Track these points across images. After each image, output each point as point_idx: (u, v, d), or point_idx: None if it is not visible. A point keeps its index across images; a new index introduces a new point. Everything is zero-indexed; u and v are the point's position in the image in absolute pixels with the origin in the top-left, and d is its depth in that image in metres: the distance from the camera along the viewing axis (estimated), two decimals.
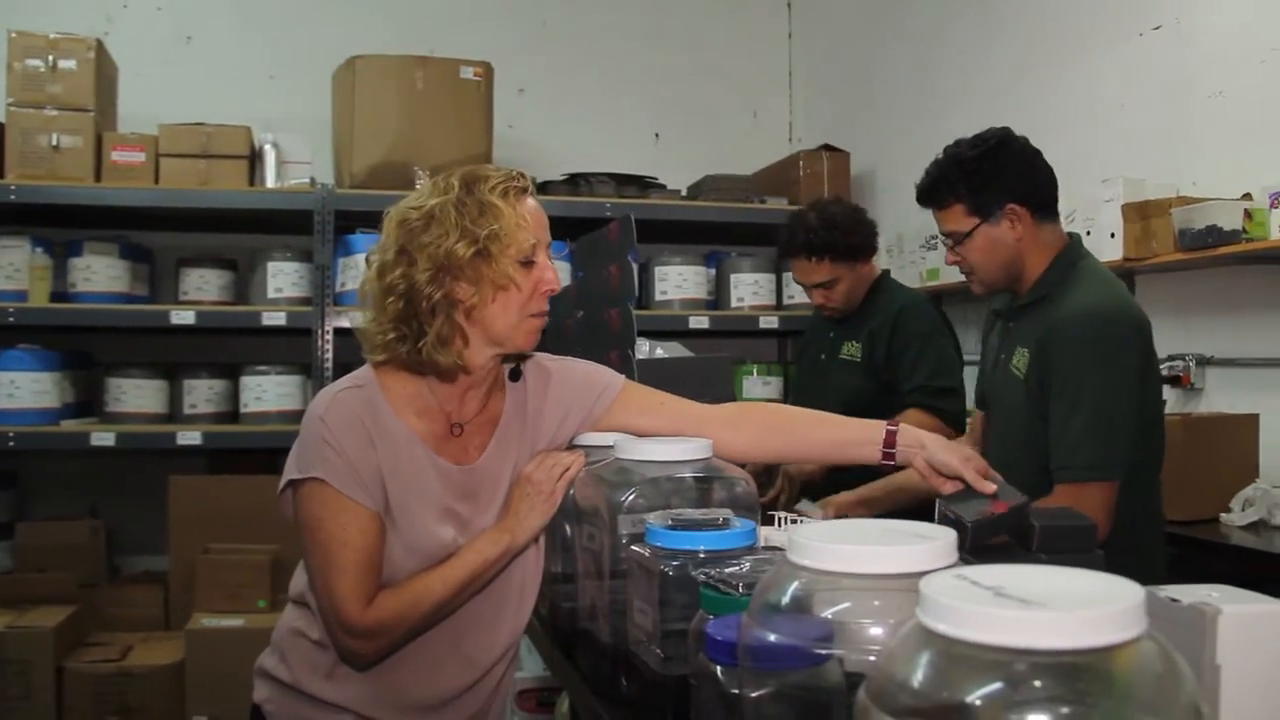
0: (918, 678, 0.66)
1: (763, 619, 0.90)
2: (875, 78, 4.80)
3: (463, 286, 1.50)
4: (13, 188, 3.75)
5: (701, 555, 1.26)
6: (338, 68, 4.17)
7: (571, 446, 1.68)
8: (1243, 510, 2.70)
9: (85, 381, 4.12)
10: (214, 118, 4.06)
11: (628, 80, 5.12)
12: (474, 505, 1.58)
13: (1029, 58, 3.78)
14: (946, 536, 0.89)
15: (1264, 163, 2.75)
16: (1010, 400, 2.07)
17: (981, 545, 1.38)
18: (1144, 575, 0.76)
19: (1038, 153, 2.09)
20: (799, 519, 1.60)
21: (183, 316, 3.88)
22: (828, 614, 0.88)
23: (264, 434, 3.92)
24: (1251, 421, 2.84)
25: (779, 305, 4.52)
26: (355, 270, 3.86)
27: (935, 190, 2.11)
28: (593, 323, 2.49)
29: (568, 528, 1.65)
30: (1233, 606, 0.88)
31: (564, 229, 2.71)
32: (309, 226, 3.99)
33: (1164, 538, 2.13)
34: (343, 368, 3.56)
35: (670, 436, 1.62)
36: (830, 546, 0.86)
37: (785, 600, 0.89)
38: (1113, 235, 2.94)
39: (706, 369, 2.52)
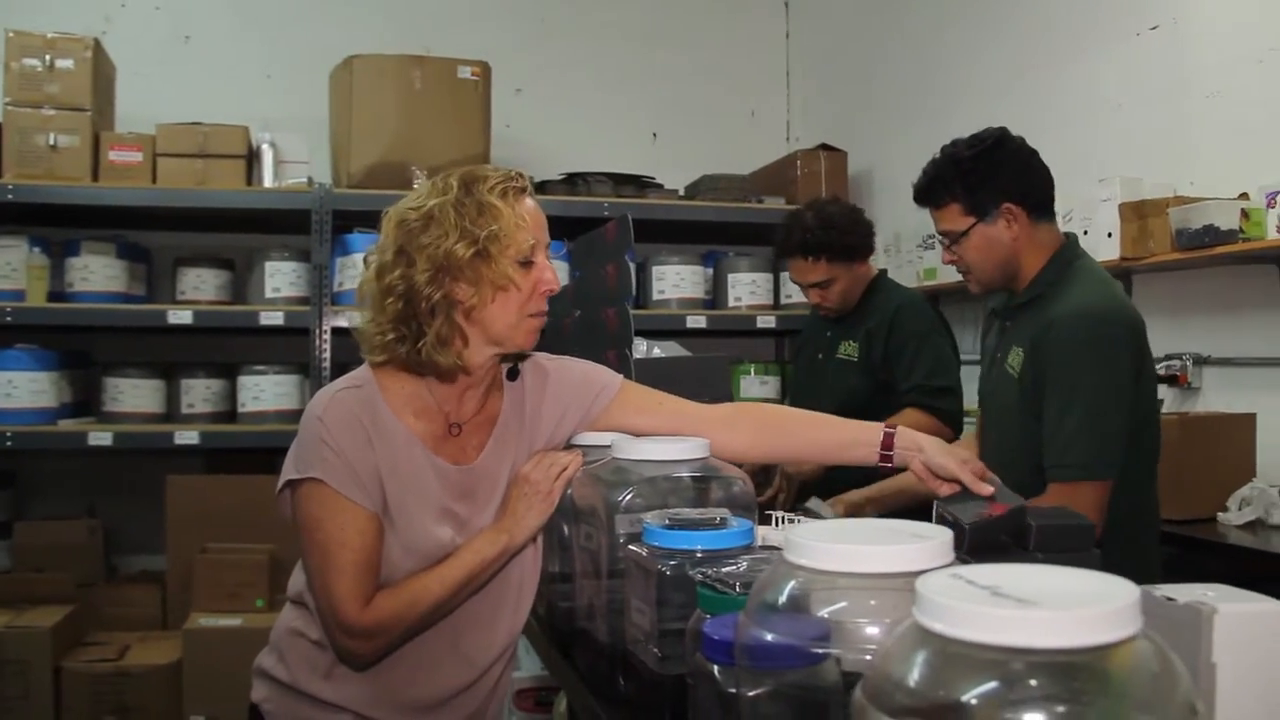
0: (914, 677, 0.66)
1: (760, 618, 0.90)
2: (873, 78, 4.80)
3: (462, 287, 1.50)
4: (10, 187, 3.75)
5: (699, 555, 1.26)
6: (335, 67, 4.16)
7: (569, 446, 1.68)
8: (1239, 509, 2.70)
9: (83, 381, 4.11)
10: (212, 117, 4.05)
11: (625, 80, 5.12)
12: (472, 505, 1.58)
13: (1026, 58, 3.78)
14: (943, 536, 0.89)
15: (1261, 162, 2.76)
16: (1005, 399, 2.07)
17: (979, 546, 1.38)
18: (1139, 574, 0.76)
19: (1034, 152, 2.09)
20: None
21: (180, 316, 3.87)
22: (824, 613, 0.88)
23: (262, 434, 3.92)
24: (1248, 421, 2.84)
25: (776, 305, 4.52)
26: (353, 270, 3.85)
27: (932, 190, 2.11)
28: (590, 322, 2.49)
29: (565, 527, 1.65)
30: (1229, 606, 0.88)
31: (562, 229, 2.70)
32: (307, 226, 3.98)
33: (1159, 537, 2.13)
34: (340, 367, 3.57)
35: (668, 436, 1.62)
36: (827, 546, 0.86)
37: (782, 599, 0.89)
38: (1110, 235, 2.95)
39: (704, 368, 2.52)
